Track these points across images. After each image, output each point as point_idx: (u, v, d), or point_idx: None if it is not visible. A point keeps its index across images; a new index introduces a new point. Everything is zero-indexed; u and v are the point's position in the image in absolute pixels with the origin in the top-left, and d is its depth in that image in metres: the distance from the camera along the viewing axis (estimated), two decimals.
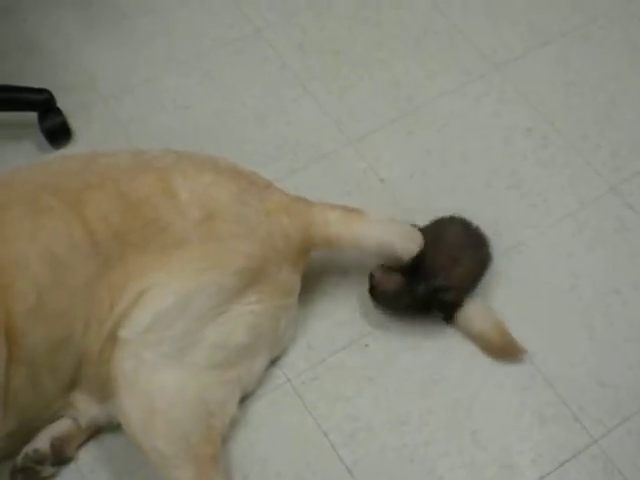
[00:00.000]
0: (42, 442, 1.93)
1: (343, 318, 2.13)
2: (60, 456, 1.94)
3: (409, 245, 2.01)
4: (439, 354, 2.07)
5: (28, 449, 1.91)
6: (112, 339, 1.83)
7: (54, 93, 2.47)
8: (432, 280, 2.00)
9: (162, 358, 1.82)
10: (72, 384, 1.89)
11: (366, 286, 2.08)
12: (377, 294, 2.06)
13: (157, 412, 1.80)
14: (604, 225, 2.26)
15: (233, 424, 1.94)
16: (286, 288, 2.00)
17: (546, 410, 1.98)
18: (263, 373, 2.03)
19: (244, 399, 1.99)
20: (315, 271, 2.17)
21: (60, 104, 2.48)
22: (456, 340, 2.08)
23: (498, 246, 2.17)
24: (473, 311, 2.06)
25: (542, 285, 2.16)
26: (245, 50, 2.68)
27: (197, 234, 1.87)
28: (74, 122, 2.50)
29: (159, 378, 1.82)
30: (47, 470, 1.93)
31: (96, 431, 1.99)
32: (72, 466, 1.96)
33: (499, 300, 2.13)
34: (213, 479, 1.83)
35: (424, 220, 2.12)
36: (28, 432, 1.93)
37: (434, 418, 1.98)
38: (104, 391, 1.87)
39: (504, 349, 2.05)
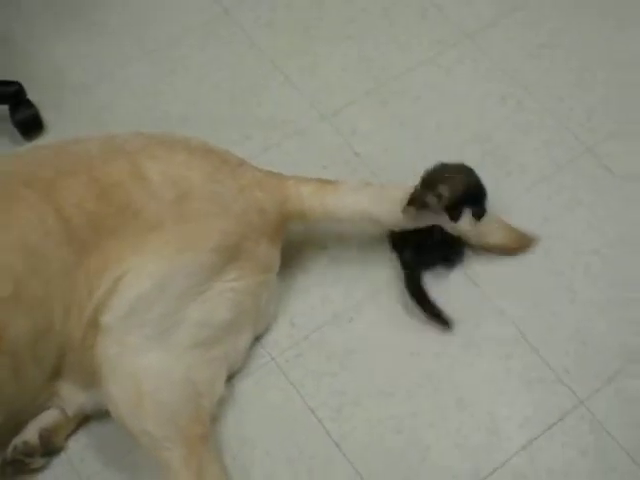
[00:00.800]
0: (30, 434, 1.93)
1: (324, 293, 2.13)
2: (49, 447, 1.95)
3: (385, 207, 2.01)
4: (421, 325, 2.06)
5: (17, 441, 1.92)
6: (93, 325, 1.83)
7: (24, 85, 2.46)
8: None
9: (145, 341, 1.82)
10: (56, 373, 1.89)
11: (346, 260, 2.09)
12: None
13: (144, 395, 1.80)
14: (581, 186, 2.26)
15: (221, 403, 1.94)
16: (265, 263, 2.00)
17: (531, 374, 1.98)
18: (248, 350, 2.03)
19: (230, 378, 1.99)
20: (295, 247, 2.17)
21: (31, 96, 2.47)
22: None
23: None
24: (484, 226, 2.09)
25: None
26: (214, 32, 2.66)
27: (171, 215, 1.87)
28: (46, 113, 2.49)
29: (144, 361, 1.82)
30: (37, 462, 1.94)
31: (84, 419, 2.00)
32: (62, 456, 1.97)
33: (477, 268, 2.13)
34: (204, 459, 1.83)
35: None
36: (16, 425, 1.93)
37: (419, 389, 1.98)
38: (89, 378, 1.87)
39: (520, 247, 2.14)
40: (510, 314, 2.05)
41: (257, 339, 2.06)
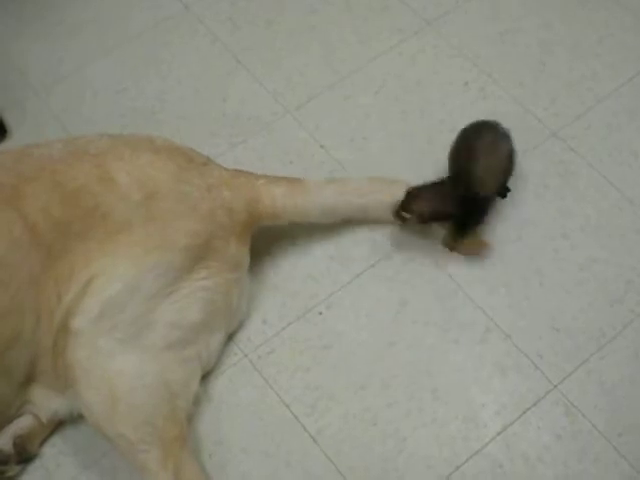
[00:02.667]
0: (4, 442, 1.91)
1: (294, 289, 2.12)
2: (24, 454, 1.93)
3: (352, 200, 2.04)
4: (393, 316, 2.07)
5: None
6: (64, 330, 1.81)
7: None
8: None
9: (117, 344, 1.81)
10: (28, 380, 1.88)
11: (316, 255, 2.10)
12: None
13: (118, 399, 1.79)
14: (549, 170, 2.26)
15: (196, 402, 1.93)
16: (235, 261, 1.99)
17: (505, 361, 1.99)
18: (222, 349, 2.03)
19: (204, 377, 1.98)
20: (264, 243, 2.16)
21: None
22: (409, 301, 2.08)
23: None
24: None
25: (490, 237, 2.16)
26: (175, 28, 2.65)
27: (139, 216, 1.85)
28: (8, 118, 2.46)
29: (116, 364, 1.81)
30: (12, 469, 1.92)
31: (59, 424, 1.98)
32: (37, 463, 1.95)
33: (448, 256, 2.13)
34: (181, 459, 1.83)
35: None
36: None
37: (393, 380, 1.98)
38: (62, 383, 1.86)
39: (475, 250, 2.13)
40: (482, 302, 2.06)
41: (230, 337, 2.05)
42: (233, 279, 1.99)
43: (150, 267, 1.84)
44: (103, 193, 1.84)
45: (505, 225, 2.17)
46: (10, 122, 2.46)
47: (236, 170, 2.05)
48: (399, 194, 2.02)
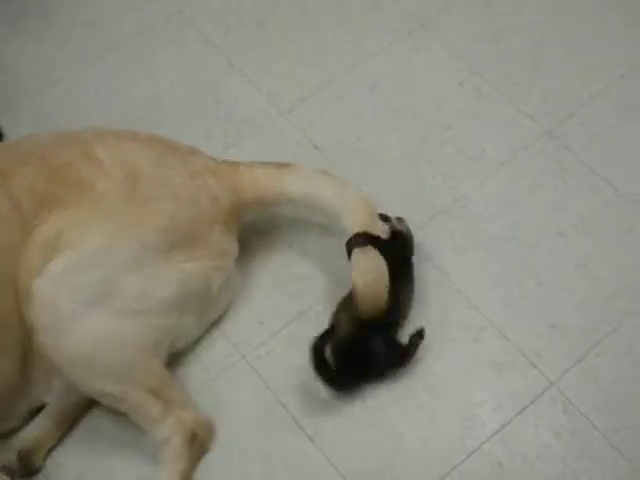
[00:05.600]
0: (9, 456, 1.92)
1: (291, 290, 2.12)
2: (29, 467, 1.93)
3: (341, 193, 2.03)
4: None
5: None
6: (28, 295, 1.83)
7: None
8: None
9: (81, 306, 1.81)
10: (27, 360, 1.88)
11: (312, 256, 2.12)
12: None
13: (91, 358, 1.81)
14: (543, 169, 2.26)
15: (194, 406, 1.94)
16: (219, 250, 2.00)
17: (502, 359, 1.99)
18: (197, 334, 2.05)
19: (201, 378, 2.00)
20: (259, 245, 2.17)
21: None
22: None
23: (438, 203, 2.21)
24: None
25: (485, 236, 2.17)
26: (168, 31, 2.66)
27: (119, 193, 1.89)
28: (4, 122, 2.47)
29: (82, 326, 1.81)
30: None
31: (63, 433, 1.99)
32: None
33: (443, 255, 2.14)
34: (170, 396, 1.89)
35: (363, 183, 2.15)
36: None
37: (390, 379, 1.98)
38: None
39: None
40: (477, 300, 2.06)
41: (227, 338, 2.06)
42: (215, 267, 2.00)
43: (124, 239, 1.86)
44: (87, 170, 1.89)
45: (500, 224, 2.18)
46: (6, 126, 2.46)
47: (224, 160, 2.08)
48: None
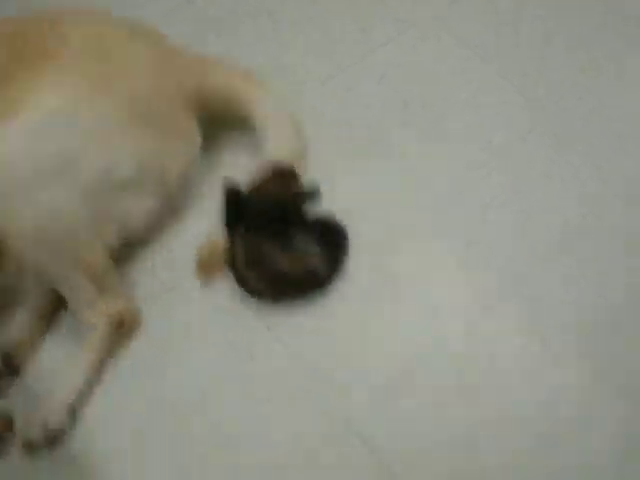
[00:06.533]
0: None
1: None
2: (12, 367, 1.97)
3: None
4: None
5: None
6: None
7: None
8: None
9: (36, 175, 1.83)
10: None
11: None
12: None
13: (42, 231, 1.84)
14: (548, 157, 2.27)
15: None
16: (179, 133, 2.04)
17: None
18: (152, 218, 2.07)
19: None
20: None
21: None
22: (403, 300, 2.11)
23: (440, 194, 2.23)
24: None
25: (492, 225, 2.17)
26: (177, 21, 2.65)
27: (85, 66, 1.91)
28: None
29: (35, 197, 1.83)
30: (6, 382, 1.97)
31: (47, 323, 2.04)
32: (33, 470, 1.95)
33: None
34: (107, 283, 1.92)
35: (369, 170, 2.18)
36: None
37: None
38: None
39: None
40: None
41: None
42: (174, 150, 2.02)
43: (83, 107, 1.89)
44: (53, 40, 1.93)
45: (505, 211, 2.19)
46: None
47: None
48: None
